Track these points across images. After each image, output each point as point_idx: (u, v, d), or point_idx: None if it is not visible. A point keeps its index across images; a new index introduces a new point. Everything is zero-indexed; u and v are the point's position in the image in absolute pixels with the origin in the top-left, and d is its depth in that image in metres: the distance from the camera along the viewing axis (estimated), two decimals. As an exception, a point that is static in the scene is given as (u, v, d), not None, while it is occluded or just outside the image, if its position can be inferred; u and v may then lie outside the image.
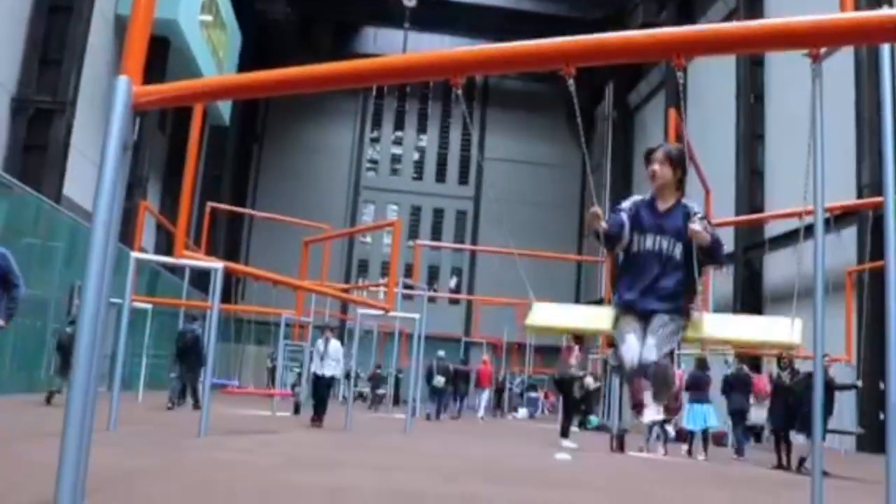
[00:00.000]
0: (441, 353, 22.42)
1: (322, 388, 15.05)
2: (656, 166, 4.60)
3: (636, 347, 4.32)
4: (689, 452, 14.48)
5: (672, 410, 4.79)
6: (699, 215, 4.43)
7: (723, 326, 4.83)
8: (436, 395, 22.13)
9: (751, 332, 4.87)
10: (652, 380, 4.36)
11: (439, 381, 21.59)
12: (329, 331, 15.77)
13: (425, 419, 20.94)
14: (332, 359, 14.97)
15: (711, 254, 4.44)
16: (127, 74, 3.67)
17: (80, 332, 3.35)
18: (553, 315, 4.83)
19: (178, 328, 18.40)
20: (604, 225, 4.44)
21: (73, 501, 3.50)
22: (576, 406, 15.89)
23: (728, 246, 24.13)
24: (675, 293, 4.45)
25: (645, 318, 4.44)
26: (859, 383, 13.72)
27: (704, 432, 14.15)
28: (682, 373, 13.52)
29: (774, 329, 4.61)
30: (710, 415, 14.29)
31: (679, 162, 4.66)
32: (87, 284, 3.32)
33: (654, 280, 4.45)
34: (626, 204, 4.70)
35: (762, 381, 15.66)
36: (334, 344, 15.19)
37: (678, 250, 4.48)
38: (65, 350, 15.91)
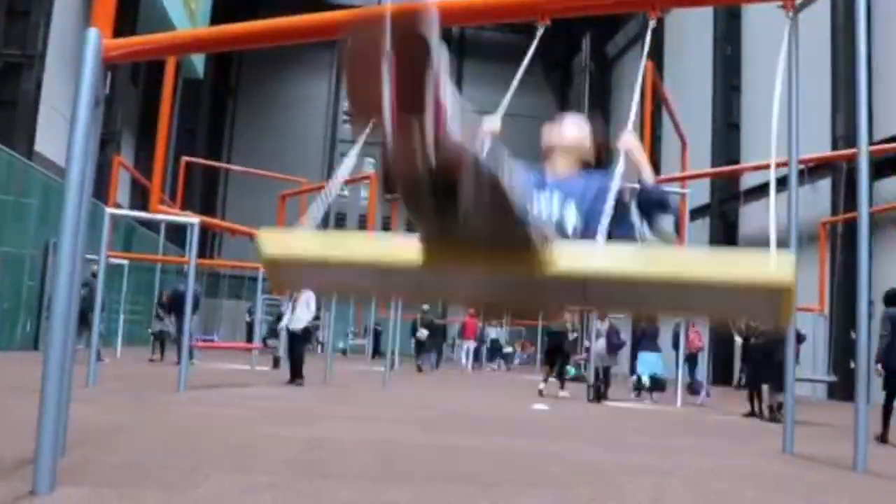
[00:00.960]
0: (425, 306, 22.69)
1: (296, 344, 14.00)
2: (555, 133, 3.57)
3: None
4: (639, 394, 15.40)
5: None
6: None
7: (691, 262, 4.14)
8: (420, 348, 23.00)
9: (729, 270, 4.00)
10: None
11: (422, 333, 22.58)
12: None
13: (417, 371, 21.77)
14: (301, 310, 13.77)
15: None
16: (97, 26, 3.61)
17: (57, 289, 3.34)
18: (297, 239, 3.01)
19: (172, 285, 18.29)
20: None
21: (53, 456, 3.52)
22: (566, 358, 16.30)
23: (704, 198, 24.34)
24: None
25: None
26: (804, 333, 14.15)
27: (653, 378, 14.91)
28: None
29: (757, 263, 3.64)
30: (658, 363, 15.38)
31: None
32: (62, 242, 3.31)
33: None
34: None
35: (695, 335, 17.08)
36: (304, 295, 13.80)
37: None
38: (80, 312, 16.28)
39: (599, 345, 14.76)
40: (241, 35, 3.74)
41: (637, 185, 2.96)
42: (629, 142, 3.06)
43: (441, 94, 1.61)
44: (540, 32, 3.04)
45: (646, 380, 15.14)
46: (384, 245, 2.45)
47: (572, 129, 3.37)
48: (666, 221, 2.92)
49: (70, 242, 3.29)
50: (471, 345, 26.76)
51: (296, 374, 13.60)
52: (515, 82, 3.18)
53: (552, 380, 15.41)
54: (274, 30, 3.65)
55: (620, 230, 2.71)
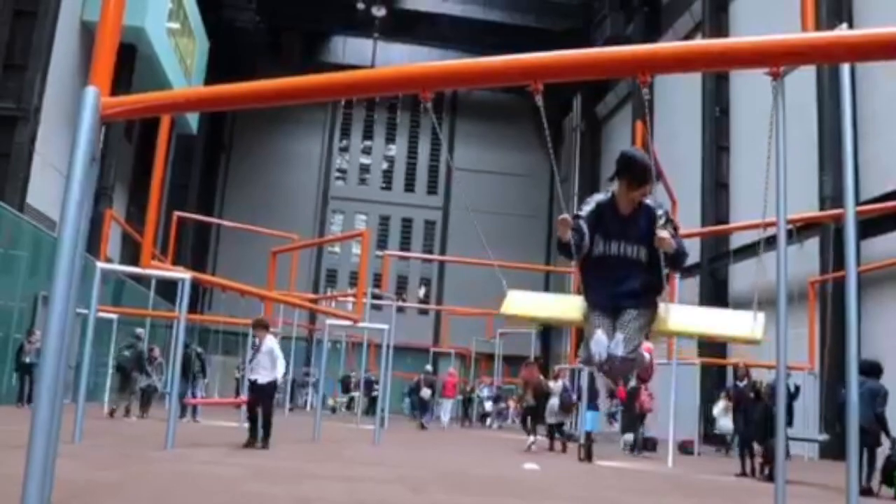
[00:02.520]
0: (428, 367, 25.21)
1: (262, 399, 11.94)
2: (648, 189, 4.54)
3: (604, 342, 4.35)
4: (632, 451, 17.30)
5: (645, 378, 4.86)
6: (664, 220, 4.40)
7: (687, 319, 4.91)
8: (423, 407, 24.47)
9: (714, 326, 4.97)
10: (614, 374, 4.53)
11: (426, 392, 24.00)
12: (261, 328, 12.34)
13: (419, 428, 22.77)
14: (264, 359, 11.93)
15: (674, 261, 4.45)
16: (95, 85, 3.66)
17: (46, 344, 3.33)
18: (527, 303, 4.93)
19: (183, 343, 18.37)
20: (570, 235, 4.38)
21: (39, 515, 3.47)
22: (540, 418, 17.08)
23: (693, 257, 24.42)
24: (642, 290, 4.50)
25: (614, 313, 4.48)
26: (796, 385, 14.19)
27: (588, 435, 15.33)
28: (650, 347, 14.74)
29: (737, 323, 4.73)
30: (596, 420, 16.68)
31: (650, 176, 4.60)
32: (54, 299, 3.31)
33: (621, 282, 4.47)
34: (586, 209, 4.62)
35: (647, 397, 18.16)
36: (268, 342, 12.13)
37: (643, 254, 4.49)
38: (123, 372, 17.16)
39: (553, 403, 16.59)
40: (239, 95, 3.79)
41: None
42: (664, 241, 4.27)
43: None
44: (540, 101, 3.13)
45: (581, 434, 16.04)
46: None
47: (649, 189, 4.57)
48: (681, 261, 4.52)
49: (62, 299, 3.29)
50: (449, 403, 26.80)
51: (265, 434, 11.81)
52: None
53: (540, 437, 16.52)
54: (270, 90, 3.70)
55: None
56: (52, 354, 3.30)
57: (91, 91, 3.59)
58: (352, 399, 29.70)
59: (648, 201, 4.55)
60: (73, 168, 3.40)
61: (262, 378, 11.88)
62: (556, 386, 16.86)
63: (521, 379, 19.11)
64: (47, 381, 3.34)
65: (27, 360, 17.16)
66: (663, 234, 4.29)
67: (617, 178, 4.57)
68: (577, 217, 4.54)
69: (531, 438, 16.11)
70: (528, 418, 16.82)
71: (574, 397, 16.97)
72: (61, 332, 3.27)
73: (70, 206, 3.33)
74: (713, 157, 26.19)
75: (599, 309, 4.53)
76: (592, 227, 4.53)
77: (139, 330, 18.48)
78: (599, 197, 4.70)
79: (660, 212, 4.46)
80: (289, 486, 7.62)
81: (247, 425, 12.19)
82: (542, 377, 17.43)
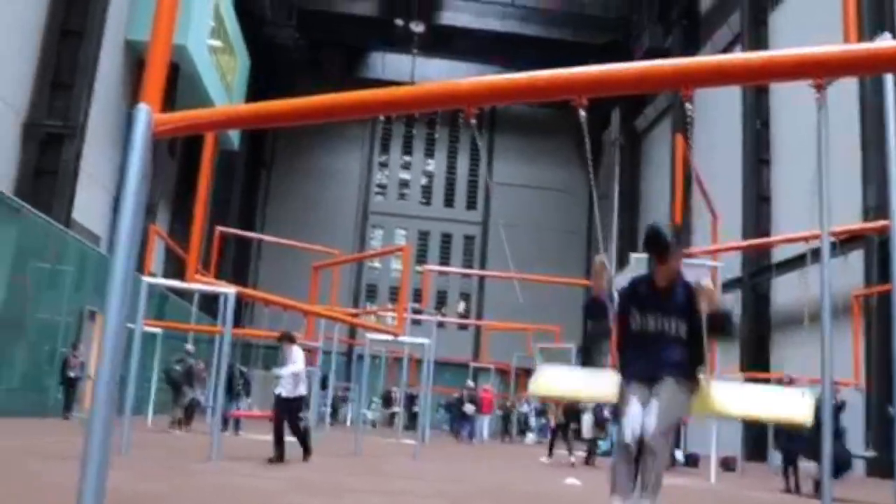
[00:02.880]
0: (470, 383, 26.19)
1: (287, 414, 11.38)
2: (674, 263, 4.46)
3: (638, 416, 4.19)
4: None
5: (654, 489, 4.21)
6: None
7: (732, 399, 4.76)
8: (466, 421, 25.19)
9: (760, 408, 4.88)
10: (644, 460, 4.14)
11: (469, 408, 24.81)
12: (287, 339, 11.85)
13: (459, 441, 23.79)
14: (290, 372, 11.38)
15: (719, 324, 4.35)
16: (146, 102, 3.74)
17: (102, 361, 3.40)
18: (557, 380, 4.87)
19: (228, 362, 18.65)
20: (605, 283, 4.35)
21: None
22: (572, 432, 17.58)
23: (735, 270, 24.19)
24: (681, 362, 4.38)
25: (651, 383, 4.34)
26: (842, 400, 13.85)
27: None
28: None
29: (785, 403, 4.61)
30: None
31: (679, 245, 4.57)
32: (109, 315, 3.38)
33: (659, 354, 4.36)
34: (621, 287, 4.60)
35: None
36: (295, 353, 11.61)
37: (682, 329, 4.39)
38: (174, 385, 17.67)
39: (587, 419, 17.02)
40: (285, 112, 3.85)
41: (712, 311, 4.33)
42: (708, 289, 4.29)
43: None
44: (584, 116, 3.17)
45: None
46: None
47: (675, 265, 4.50)
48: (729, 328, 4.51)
49: (116, 315, 3.37)
50: (486, 419, 27.03)
51: (304, 449, 11.61)
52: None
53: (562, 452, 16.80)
54: (316, 107, 3.75)
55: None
56: (107, 370, 3.37)
57: (143, 109, 3.67)
58: (393, 414, 29.86)
59: (688, 277, 4.51)
60: (126, 184, 3.48)
61: (286, 392, 11.33)
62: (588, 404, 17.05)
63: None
64: (102, 396, 3.41)
65: (72, 374, 17.52)
66: (706, 282, 4.29)
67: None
68: (613, 295, 4.52)
69: (564, 454, 16.25)
70: (559, 433, 17.26)
71: (606, 413, 16.96)
72: (116, 347, 3.34)
73: (125, 221, 3.41)
74: (754, 170, 25.94)
75: (636, 380, 4.39)
76: (626, 301, 4.49)
77: (189, 346, 18.72)
78: (635, 275, 4.71)
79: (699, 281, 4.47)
80: (328, 499, 7.67)
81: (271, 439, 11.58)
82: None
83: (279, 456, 11.14)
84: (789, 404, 4.62)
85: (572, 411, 16.92)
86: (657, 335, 4.39)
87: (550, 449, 17.33)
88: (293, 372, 11.32)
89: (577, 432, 17.53)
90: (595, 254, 4.48)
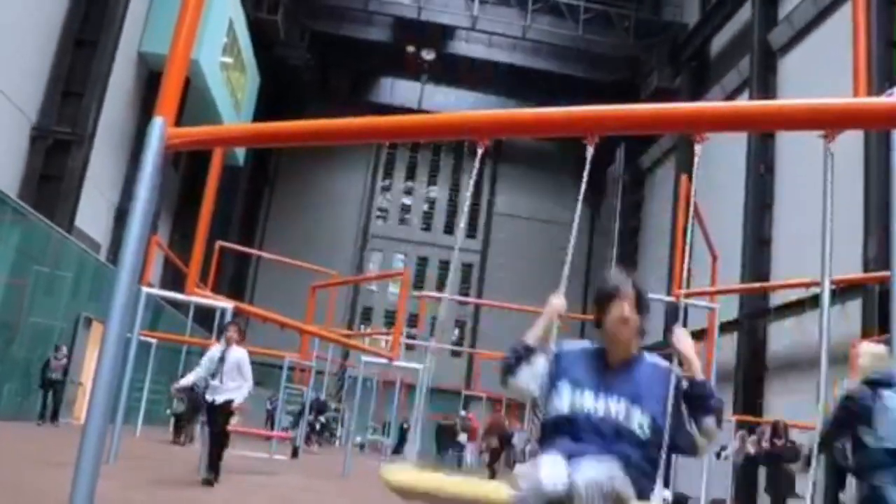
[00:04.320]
0: (462, 412, 26.78)
1: (216, 422, 9.80)
2: (626, 309, 3.08)
3: (551, 471, 2.63)
4: None
5: None
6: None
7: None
8: (454, 448, 25.97)
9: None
10: None
11: (463, 437, 25.63)
12: (235, 329, 10.30)
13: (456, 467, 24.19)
14: (229, 377, 9.75)
15: (696, 397, 3.02)
16: (161, 115, 3.78)
17: (100, 370, 3.41)
18: (413, 476, 3.45)
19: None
20: (546, 324, 3.40)
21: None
22: None
23: (732, 313, 24.17)
24: (631, 464, 2.83)
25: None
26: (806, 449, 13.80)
27: None
28: None
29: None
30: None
31: (646, 302, 3.16)
32: (111, 323, 3.39)
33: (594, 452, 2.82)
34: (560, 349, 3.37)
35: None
36: (236, 354, 9.94)
37: (636, 422, 2.95)
38: (195, 404, 17.22)
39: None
40: (295, 133, 3.89)
41: (687, 380, 3.04)
42: (682, 339, 3.11)
43: None
44: (590, 153, 3.17)
45: None
46: (480, 488, 3.27)
47: (629, 315, 3.08)
48: (709, 420, 2.98)
49: (118, 324, 3.38)
50: (471, 445, 27.73)
51: (211, 466, 9.70)
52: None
53: None
54: (326, 130, 3.80)
55: (679, 435, 2.96)
56: (106, 378, 3.38)
57: (158, 121, 3.71)
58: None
59: (658, 360, 3.13)
60: (137, 195, 3.51)
61: (221, 396, 9.73)
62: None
63: (486, 424, 20.88)
64: (99, 405, 3.41)
65: (53, 376, 17.01)
66: (679, 331, 3.13)
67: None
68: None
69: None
70: (493, 461, 18.26)
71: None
72: (116, 355, 3.35)
73: (133, 229, 3.43)
74: (756, 214, 25.98)
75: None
76: (554, 372, 3.21)
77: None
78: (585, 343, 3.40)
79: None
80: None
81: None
82: (506, 421, 19.44)
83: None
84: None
85: (505, 437, 18.11)
86: (599, 423, 2.96)
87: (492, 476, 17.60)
88: (237, 373, 9.84)
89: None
90: (553, 295, 3.72)
